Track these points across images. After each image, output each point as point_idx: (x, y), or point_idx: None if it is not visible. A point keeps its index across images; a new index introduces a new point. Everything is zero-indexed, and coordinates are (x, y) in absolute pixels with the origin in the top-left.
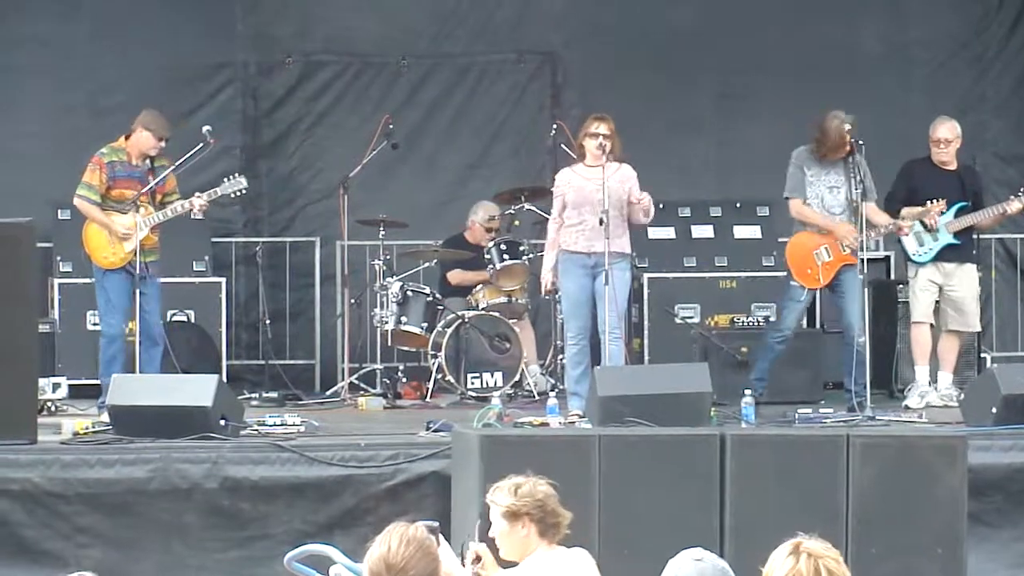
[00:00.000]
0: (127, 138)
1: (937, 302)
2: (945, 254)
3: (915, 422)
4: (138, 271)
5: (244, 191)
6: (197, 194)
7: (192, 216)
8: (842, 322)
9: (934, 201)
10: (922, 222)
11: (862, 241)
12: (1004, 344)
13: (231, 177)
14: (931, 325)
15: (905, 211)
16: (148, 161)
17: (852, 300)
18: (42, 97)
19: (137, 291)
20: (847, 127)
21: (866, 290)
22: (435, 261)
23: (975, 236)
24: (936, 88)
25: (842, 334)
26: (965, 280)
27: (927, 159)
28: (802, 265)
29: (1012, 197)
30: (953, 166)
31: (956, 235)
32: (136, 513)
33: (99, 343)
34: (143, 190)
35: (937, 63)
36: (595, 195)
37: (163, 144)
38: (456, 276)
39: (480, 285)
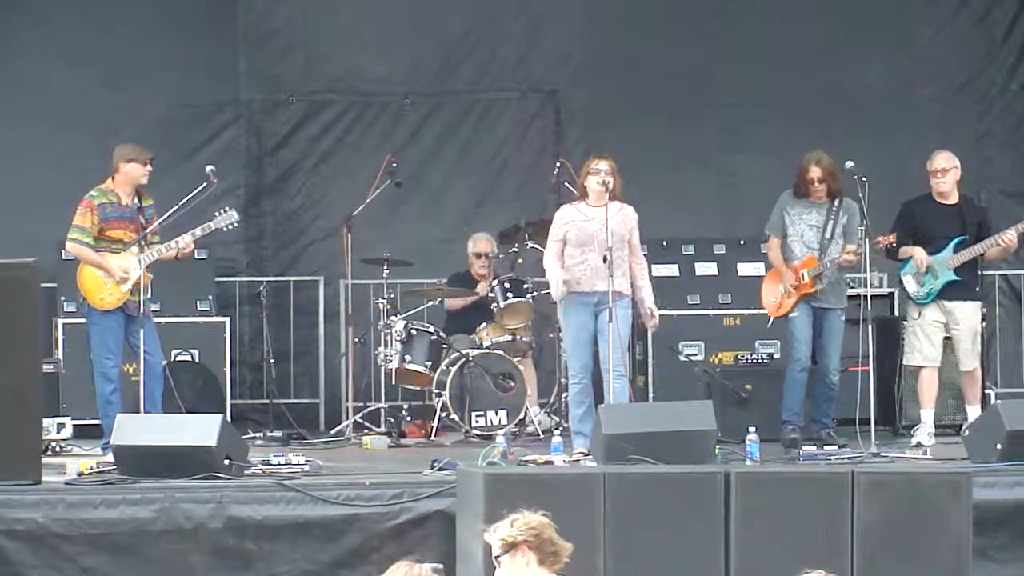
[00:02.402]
0: (113, 179)
1: (947, 338)
2: (947, 292)
3: (919, 458)
4: (141, 311)
5: (236, 224)
6: (192, 232)
7: (180, 254)
8: (820, 360)
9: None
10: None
11: (865, 279)
12: (1008, 380)
13: (223, 211)
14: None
15: (903, 251)
16: (136, 200)
17: (833, 342)
18: (48, 138)
19: (142, 331)
20: (813, 164)
21: (870, 327)
22: (439, 299)
23: (980, 271)
24: (941, 125)
25: (818, 369)
26: (966, 318)
27: (927, 196)
28: (769, 296)
29: (1010, 229)
30: (953, 199)
31: (957, 271)
32: (141, 553)
33: (96, 385)
34: (148, 229)
35: (942, 100)
36: (599, 234)
37: (150, 168)
38: (452, 303)
39: (484, 323)
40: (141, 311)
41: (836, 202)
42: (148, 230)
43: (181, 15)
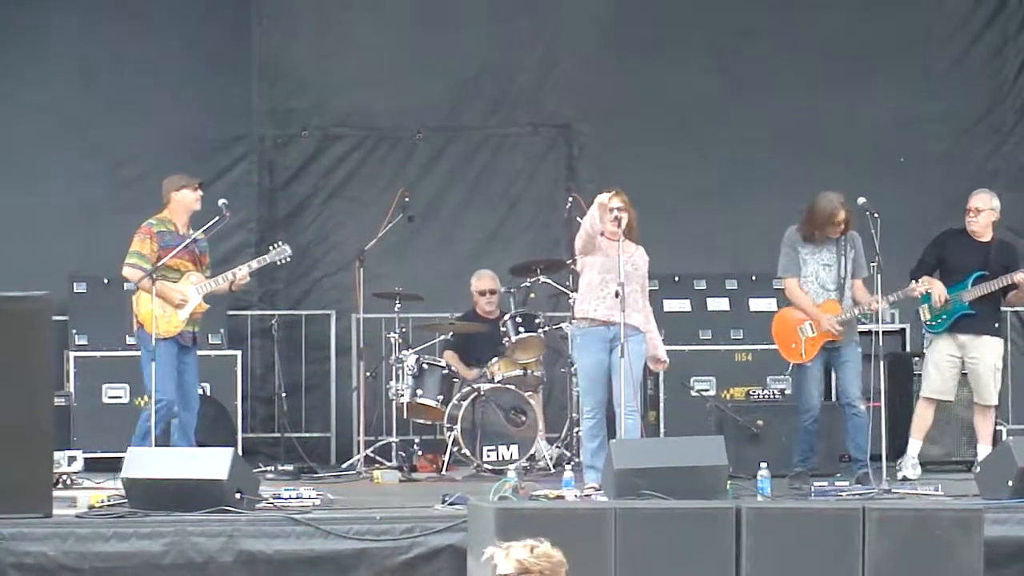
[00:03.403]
0: (165, 210)
1: (964, 374)
2: (961, 325)
3: (931, 495)
4: (194, 341)
5: (290, 258)
6: (248, 264)
7: (235, 286)
8: (842, 397)
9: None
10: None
11: (878, 312)
12: (1020, 416)
13: (276, 245)
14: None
15: (924, 279)
16: (191, 231)
17: (853, 376)
18: (60, 169)
19: (192, 360)
20: (841, 208)
21: (882, 363)
22: (451, 334)
23: (1001, 309)
24: (951, 162)
25: (844, 409)
26: (984, 352)
27: (963, 230)
28: (786, 340)
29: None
30: (986, 238)
31: (972, 304)
32: None
33: (156, 416)
34: (205, 262)
35: (952, 137)
36: (617, 266)
37: (201, 193)
38: (450, 357)
39: (495, 358)
40: (194, 341)
41: (843, 237)
42: (202, 259)
43: (196, 49)
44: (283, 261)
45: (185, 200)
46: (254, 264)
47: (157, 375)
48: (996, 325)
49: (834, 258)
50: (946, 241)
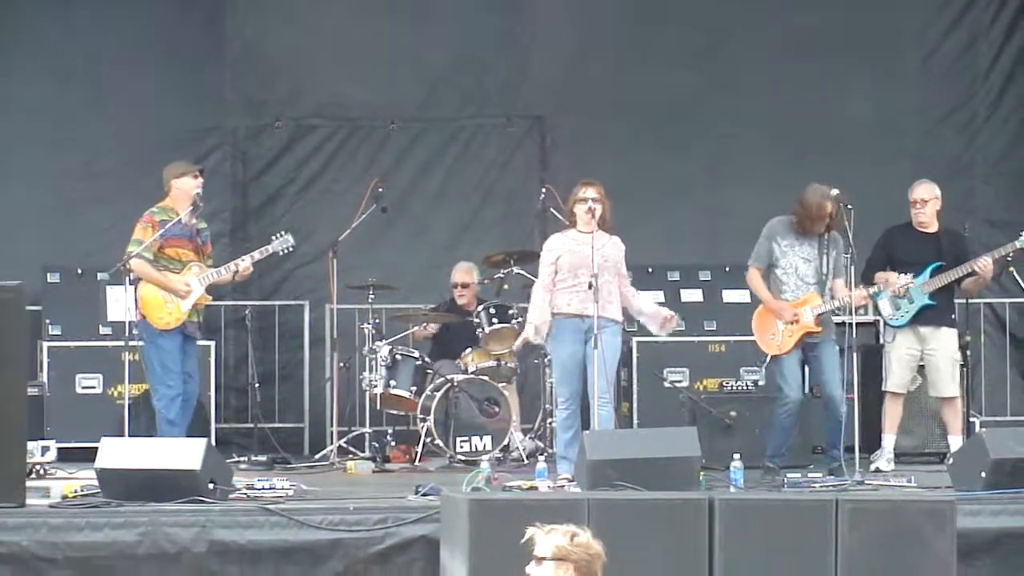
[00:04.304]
0: (169, 198)
1: (921, 366)
2: (922, 317)
3: (904, 486)
4: (199, 331)
5: (292, 248)
6: (250, 255)
7: (238, 277)
8: (824, 394)
9: (902, 274)
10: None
11: (850, 306)
12: (993, 408)
13: (279, 235)
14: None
15: (878, 276)
16: (194, 221)
17: (832, 372)
18: (33, 162)
19: (192, 351)
20: (829, 202)
21: (855, 355)
22: (424, 324)
23: (955, 300)
24: (925, 155)
25: (827, 406)
26: (943, 344)
27: (907, 225)
28: (765, 332)
29: (985, 254)
30: (933, 228)
31: (932, 296)
32: None
33: (155, 406)
34: (207, 252)
35: (926, 130)
36: (590, 259)
37: (202, 180)
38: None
39: (469, 349)
40: (199, 332)
41: (826, 235)
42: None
43: (169, 40)
44: (286, 251)
45: (186, 187)
46: (256, 255)
47: (160, 368)
48: (953, 316)
49: (815, 254)
50: (893, 238)
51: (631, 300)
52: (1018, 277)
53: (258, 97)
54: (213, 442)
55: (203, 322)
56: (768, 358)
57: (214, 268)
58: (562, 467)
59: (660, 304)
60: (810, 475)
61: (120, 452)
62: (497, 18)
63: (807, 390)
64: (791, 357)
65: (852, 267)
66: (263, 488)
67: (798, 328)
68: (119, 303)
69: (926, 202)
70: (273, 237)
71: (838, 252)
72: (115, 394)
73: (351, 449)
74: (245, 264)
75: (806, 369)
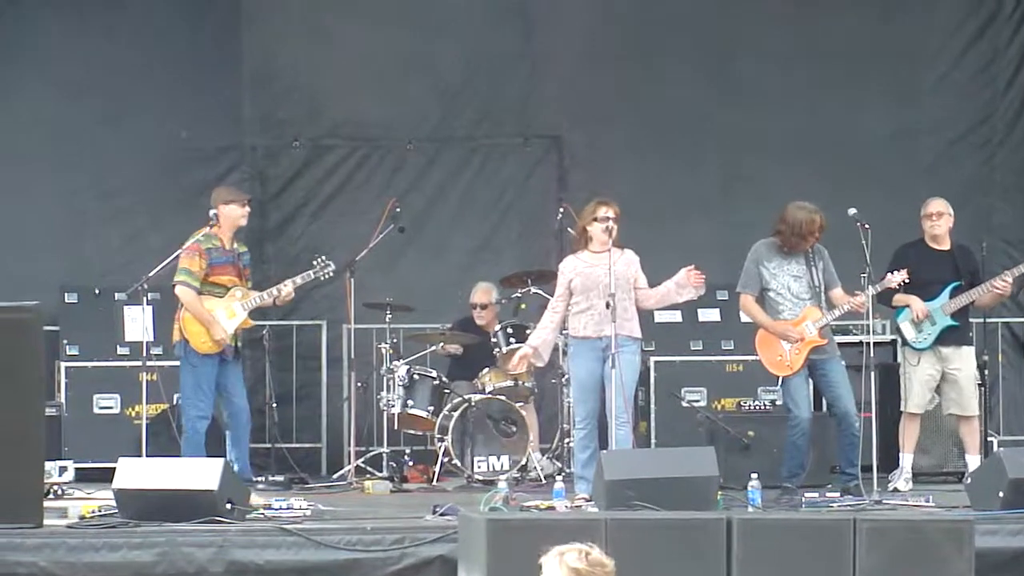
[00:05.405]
0: (214, 226)
1: (938, 384)
2: (944, 337)
3: (922, 506)
4: (233, 353)
5: (333, 273)
6: (292, 279)
7: (280, 301)
8: (837, 412)
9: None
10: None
11: (869, 325)
12: (1011, 428)
13: (320, 261)
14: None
15: (898, 298)
16: (235, 246)
17: (842, 388)
18: (49, 180)
19: (234, 371)
20: (817, 216)
21: (872, 374)
22: (441, 344)
23: (971, 319)
24: (942, 172)
25: (840, 424)
26: (964, 363)
27: (919, 241)
28: (771, 354)
29: (1005, 272)
30: (946, 245)
31: (953, 316)
32: None
33: (186, 426)
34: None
35: (943, 147)
36: (602, 279)
37: (248, 210)
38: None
39: (486, 369)
40: (239, 355)
41: (811, 250)
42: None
43: (186, 58)
44: (327, 276)
45: (232, 215)
46: (298, 280)
47: (194, 390)
48: (971, 335)
49: (803, 269)
50: (907, 255)
51: (651, 294)
52: None
53: (275, 116)
54: (231, 462)
55: (239, 345)
56: (780, 380)
57: (256, 292)
58: (580, 487)
59: (677, 323)
60: (828, 495)
61: (137, 472)
62: (513, 37)
63: (823, 408)
64: (799, 377)
65: (871, 286)
66: (281, 508)
67: (804, 344)
68: (136, 323)
69: (941, 215)
70: (314, 263)
71: (825, 262)
72: (132, 414)
73: (368, 469)
74: (288, 289)
75: (810, 386)
